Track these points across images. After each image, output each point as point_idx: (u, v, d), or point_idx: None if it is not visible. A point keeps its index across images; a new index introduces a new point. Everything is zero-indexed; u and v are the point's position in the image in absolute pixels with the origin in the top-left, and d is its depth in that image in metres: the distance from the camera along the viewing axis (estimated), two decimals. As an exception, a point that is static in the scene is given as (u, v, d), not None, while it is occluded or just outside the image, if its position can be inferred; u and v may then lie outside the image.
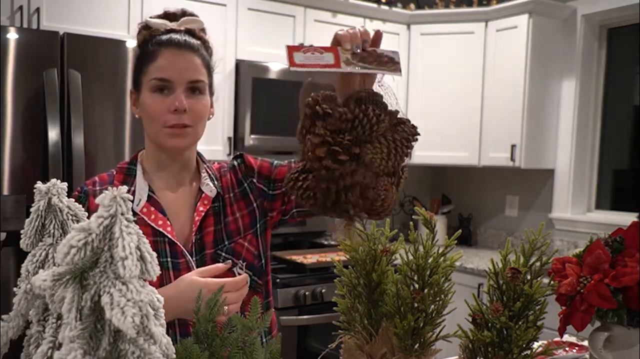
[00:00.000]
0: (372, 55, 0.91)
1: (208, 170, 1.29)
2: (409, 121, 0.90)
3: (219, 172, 1.30)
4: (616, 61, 3.34)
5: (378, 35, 0.96)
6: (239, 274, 1.22)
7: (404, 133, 0.88)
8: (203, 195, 1.24)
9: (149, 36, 1.21)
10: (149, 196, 1.21)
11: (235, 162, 1.32)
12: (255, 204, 1.29)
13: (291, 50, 0.88)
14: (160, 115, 1.16)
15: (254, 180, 1.30)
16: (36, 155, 2.30)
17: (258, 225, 1.28)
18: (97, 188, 1.21)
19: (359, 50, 0.91)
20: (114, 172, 1.25)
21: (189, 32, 1.22)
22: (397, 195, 0.88)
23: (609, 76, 3.36)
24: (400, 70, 0.91)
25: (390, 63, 0.91)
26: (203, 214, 1.23)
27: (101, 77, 2.44)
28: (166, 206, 1.22)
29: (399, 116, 0.89)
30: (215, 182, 1.27)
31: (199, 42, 1.21)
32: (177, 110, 1.15)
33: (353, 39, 0.91)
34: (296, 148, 0.89)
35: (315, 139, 0.83)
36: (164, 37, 1.19)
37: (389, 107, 0.89)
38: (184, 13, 1.25)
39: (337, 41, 0.93)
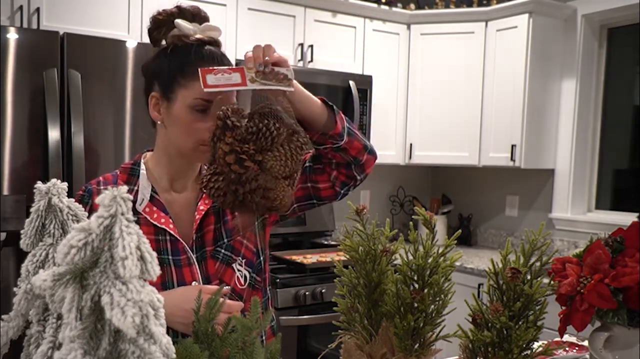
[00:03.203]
0: (272, 73, 1.05)
1: None
2: (302, 132, 1.04)
3: None
4: (616, 61, 3.34)
5: (281, 59, 1.06)
6: (238, 270, 1.23)
7: (298, 142, 1.02)
8: (204, 194, 1.25)
9: (182, 42, 1.17)
10: (151, 196, 1.22)
11: None
12: None
13: (204, 73, 1.03)
14: (199, 133, 1.15)
15: None
16: (36, 155, 2.30)
17: (256, 223, 1.29)
18: (101, 187, 1.22)
19: (262, 68, 1.04)
20: (118, 173, 1.26)
21: (217, 43, 1.21)
22: (293, 194, 1.05)
23: (609, 76, 3.36)
24: (293, 86, 1.06)
25: (286, 80, 1.05)
26: (204, 212, 1.24)
27: (101, 77, 2.44)
28: (168, 205, 1.23)
29: (294, 127, 1.03)
30: None
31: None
32: None
33: (256, 59, 1.04)
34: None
35: (225, 147, 0.98)
36: (204, 51, 1.17)
37: (286, 120, 1.02)
38: (198, 12, 1.21)
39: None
